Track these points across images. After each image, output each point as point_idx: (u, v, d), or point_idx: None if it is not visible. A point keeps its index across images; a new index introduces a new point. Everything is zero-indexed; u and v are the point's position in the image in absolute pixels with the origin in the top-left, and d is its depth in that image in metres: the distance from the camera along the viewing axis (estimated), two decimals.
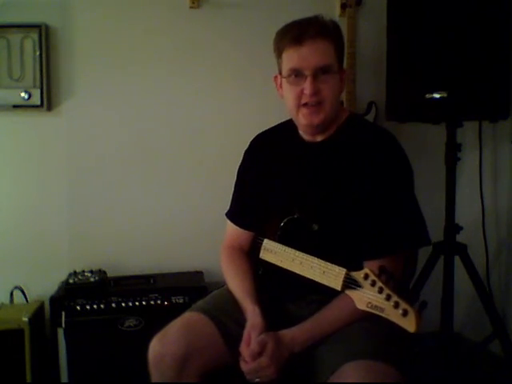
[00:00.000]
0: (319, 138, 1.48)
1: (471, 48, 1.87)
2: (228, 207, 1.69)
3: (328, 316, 1.36)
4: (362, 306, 1.19)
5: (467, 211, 2.32)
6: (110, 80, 2.31)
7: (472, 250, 2.08)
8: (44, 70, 2.21)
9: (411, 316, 1.10)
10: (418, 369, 1.86)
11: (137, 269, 2.32)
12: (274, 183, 1.54)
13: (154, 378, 1.35)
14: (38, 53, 2.20)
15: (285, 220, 1.44)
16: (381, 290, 1.15)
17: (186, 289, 2.12)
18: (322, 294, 1.37)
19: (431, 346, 2.13)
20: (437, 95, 1.89)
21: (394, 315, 1.12)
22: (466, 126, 2.11)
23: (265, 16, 2.33)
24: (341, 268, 1.25)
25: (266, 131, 1.65)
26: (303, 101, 1.40)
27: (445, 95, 1.88)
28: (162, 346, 1.34)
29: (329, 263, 1.28)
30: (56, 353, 2.03)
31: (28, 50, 2.21)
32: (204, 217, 2.37)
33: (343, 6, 2.33)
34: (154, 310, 2.06)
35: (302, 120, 1.43)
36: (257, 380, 1.29)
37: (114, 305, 2.05)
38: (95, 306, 2.04)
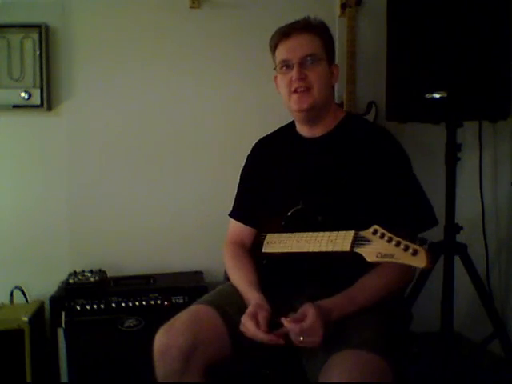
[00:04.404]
0: (317, 134, 1.54)
1: (471, 48, 1.87)
2: (229, 207, 1.71)
3: (361, 286, 1.36)
4: (372, 258, 1.20)
5: (467, 211, 2.31)
6: (109, 80, 2.31)
7: (472, 250, 2.08)
8: (44, 70, 2.21)
9: (421, 253, 1.12)
10: (418, 369, 1.86)
11: (137, 269, 2.32)
12: (277, 180, 1.58)
13: (159, 369, 1.33)
14: (37, 53, 2.20)
15: (290, 211, 1.47)
16: (390, 240, 1.18)
17: (185, 289, 2.11)
18: (324, 288, 1.38)
19: (431, 346, 2.13)
20: (437, 95, 1.89)
21: (404, 257, 1.14)
22: (465, 126, 2.11)
23: (265, 16, 2.33)
24: (348, 231, 1.27)
25: (266, 135, 1.72)
26: (293, 87, 1.49)
27: (445, 95, 1.88)
28: (169, 338, 1.33)
29: (335, 231, 1.30)
30: (56, 353, 2.03)
31: (28, 49, 2.21)
32: (204, 217, 2.37)
33: (343, 6, 2.33)
34: (154, 309, 2.06)
35: (294, 105, 1.51)
36: (301, 339, 1.25)
37: (113, 305, 2.05)
38: (95, 306, 2.04)
